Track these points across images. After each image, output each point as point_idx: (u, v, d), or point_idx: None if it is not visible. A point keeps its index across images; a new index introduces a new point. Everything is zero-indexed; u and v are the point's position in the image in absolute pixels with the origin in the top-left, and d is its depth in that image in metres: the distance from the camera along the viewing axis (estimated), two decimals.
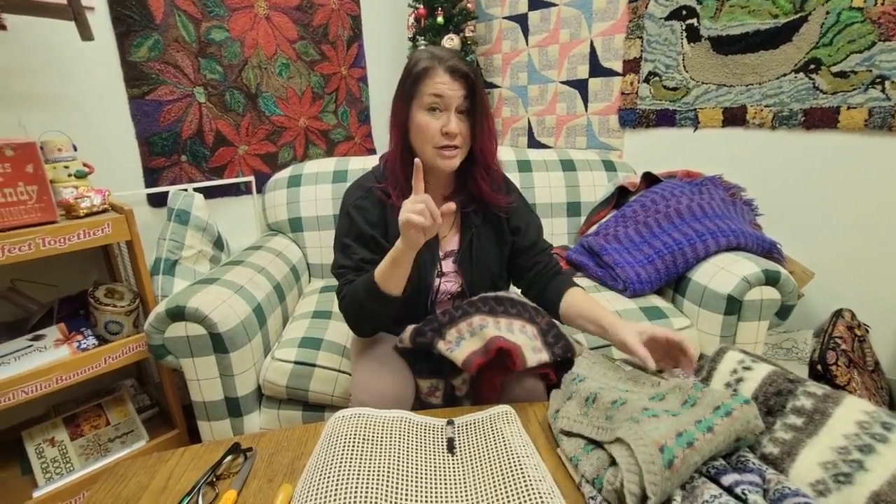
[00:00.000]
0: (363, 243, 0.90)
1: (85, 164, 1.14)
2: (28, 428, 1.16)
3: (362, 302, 0.85)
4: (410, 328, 0.88)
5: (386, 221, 0.91)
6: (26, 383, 0.99)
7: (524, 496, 0.58)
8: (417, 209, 0.72)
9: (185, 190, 1.43)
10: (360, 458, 0.64)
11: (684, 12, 1.59)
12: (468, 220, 0.94)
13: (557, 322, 0.96)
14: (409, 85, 0.84)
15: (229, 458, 0.69)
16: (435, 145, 0.83)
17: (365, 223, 0.89)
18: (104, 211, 1.12)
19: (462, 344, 0.83)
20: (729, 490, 0.53)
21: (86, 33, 1.16)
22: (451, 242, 0.96)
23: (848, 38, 1.30)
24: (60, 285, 1.26)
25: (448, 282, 0.95)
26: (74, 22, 1.13)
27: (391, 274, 0.81)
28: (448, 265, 0.95)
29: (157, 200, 1.48)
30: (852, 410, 0.58)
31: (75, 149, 1.14)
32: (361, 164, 1.63)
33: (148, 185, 1.47)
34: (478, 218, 0.95)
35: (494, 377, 0.85)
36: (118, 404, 1.27)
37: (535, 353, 0.84)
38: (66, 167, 1.11)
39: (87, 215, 1.07)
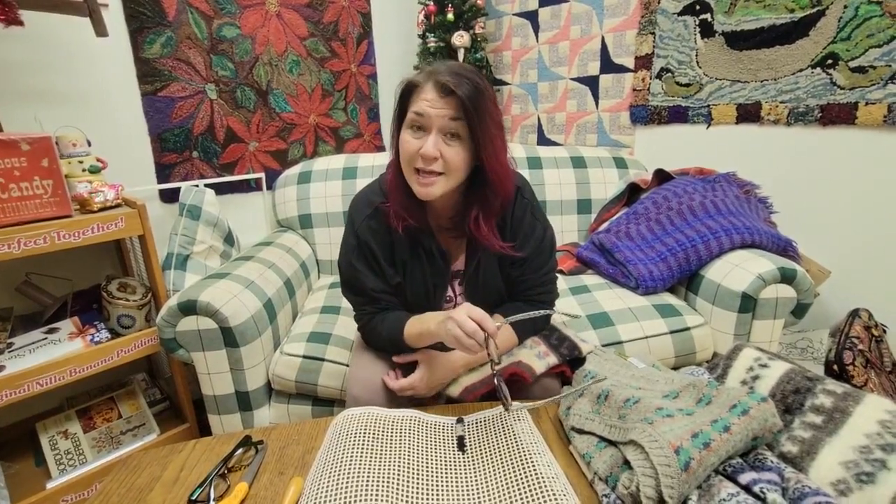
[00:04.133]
0: (372, 269, 0.86)
1: (99, 160, 1.15)
2: (42, 420, 1.17)
3: (384, 342, 0.88)
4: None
5: (392, 243, 0.86)
6: (41, 375, 1.00)
7: (537, 494, 0.57)
8: (469, 330, 0.69)
9: (197, 186, 1.44)
10: (371, 455, 0.63)
11: (698, 7, 1.57)
12: (475, 241, 0.85)
13: (556, 325, 0.96)
14: (399, 102, 0.78)
15: (241, 450, 0.70)
16: (414, 168, 0.75)
17: (375, 245, 0.84)
18: (117, 206, 1.12)
19: (459, 378, 0.85)
20: (747, 489, 0.52)
21: (100, 29, 1.17)
22: (458, 263, 0.91)
23: (867, 33, 1.28)
24: (74, 279, 1.27)
25: (459, 304, 0.93)
26: (89, 18, 1.14)
27: (420, 341, 0.82)
28: (456, 287, 0.92)
29: (169, 196, 1.49)
30: (874, 409, 0.56)
31: (89, 144, 1.15)
32: (371, 161, 1.63)
33: (160, 181, 1.48)
34: (483, 245, 0.85)
35: (509, 386, 0.85)
36: (130, 398, 1.28)
37: (540, 359, 0.85)
38: (81, 162, 1.12)
39: (100, 210, 1.08)
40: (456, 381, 0.85)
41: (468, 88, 0.70)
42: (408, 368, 0.87)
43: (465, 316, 0.70)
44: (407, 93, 0.76)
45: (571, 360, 0.88)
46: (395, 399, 0.84)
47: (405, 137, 0.76)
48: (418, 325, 0.81)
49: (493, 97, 0.75)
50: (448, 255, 0.88)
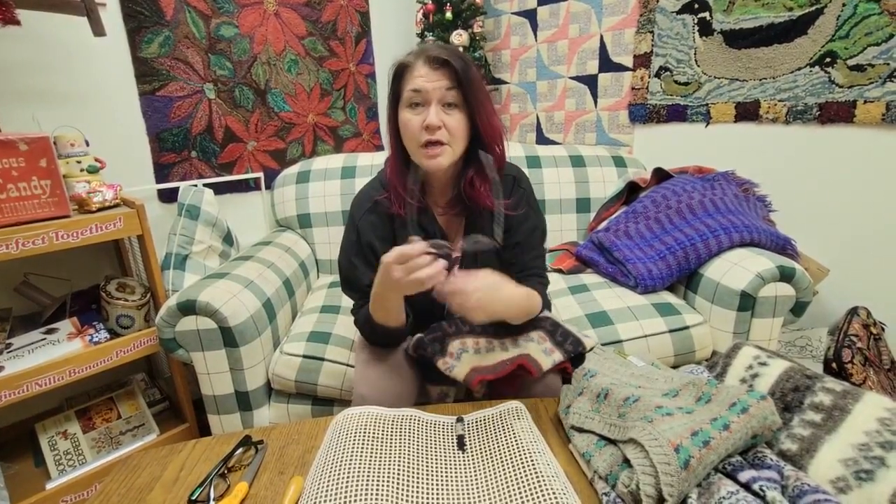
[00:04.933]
0: (369, 264, 0.86)
1: (97, 160, 1.15)
2: (41, 420, 1.17)
3: (367, 330, 0.87)
4: (415, 337, 0.88)
5: (393, 233, 0.87)
6: (40, 376, 1.00)
7: (537, 493, 0.57)
8: (415, 252, 0.68)
9: (195, 185, 1.44)
10: (371, 454, 0.63)
11: (696, 6, 1.57)
12: (471, 205, 0.88)
13: (560, 321, 0.96)
14: (392, 85, 0.81)
15: (241, 450, 0.70)
16: (419, 143, 0.78)
17: (374, 239, 0.86)
18: (116, 206, 1.12)
19: (463, 357, 0.84)
20: (746, 487, 0.52)
21: (98, 29, 1.16)
22: (456, 249, 0.91)
23: (865, 31, 1.28)
24: (73, 279, 1.27)
25: None
26: (87, 18, 1.14)
27: (382, 311, 0.81)
28: (455, 273, 0.93)
29: (168, 196, 1.49)
30: (873, 407, 0.57)
31: (87, 144, 1.15)
32: (370, 161, 1.63)
33: (158, 181, 1.48)
34: (482, 221, 0.88)
35: (514, 380, 0.85)
36: (129, 398, 1.28)
37: (547, 355, 0.85)
38: (79, 162, 1.12)
39: (99, 210, 1.07)
40: (462, 360, 0.83)
41: (458, 60, 0.76)
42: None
43: (397, 251, 0.68)
44: (399, 74, 0.80)
45: (573, 357, 0.88)
46: (400, 398, 0.83)
47: (406, 116, 0.79)
48: (371, 297, 0.80)
49: (476, 67, 0.80)
50: (447, 238, 0.89)
